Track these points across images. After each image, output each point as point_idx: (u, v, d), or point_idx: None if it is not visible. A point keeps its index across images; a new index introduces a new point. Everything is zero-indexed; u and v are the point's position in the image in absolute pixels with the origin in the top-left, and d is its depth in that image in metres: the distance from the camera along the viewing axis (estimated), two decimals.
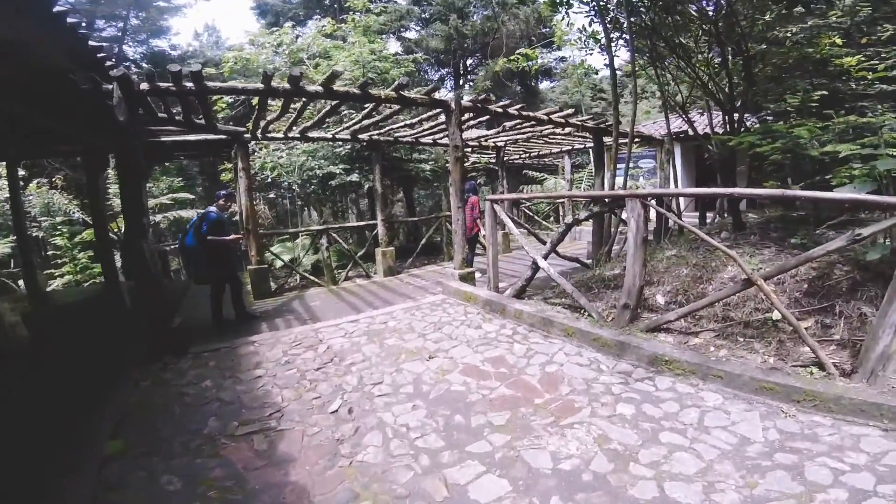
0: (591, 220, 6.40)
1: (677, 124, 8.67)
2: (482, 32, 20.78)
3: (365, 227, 9.51)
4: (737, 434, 2.42)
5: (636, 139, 8.68)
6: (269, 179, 9.99)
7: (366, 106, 6.20)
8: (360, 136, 7.69)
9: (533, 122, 7.35)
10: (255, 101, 5.98)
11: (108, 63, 3.81)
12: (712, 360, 3.11)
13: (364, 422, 2.83)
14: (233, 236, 5.28)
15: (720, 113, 6.00)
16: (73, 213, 11.01)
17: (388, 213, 8.92)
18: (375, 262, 8.80)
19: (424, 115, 6.85)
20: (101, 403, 3.09)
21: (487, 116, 6.70)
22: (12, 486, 2.15)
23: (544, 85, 25.19)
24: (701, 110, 8.77)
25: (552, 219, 15.18)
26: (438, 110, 6.12)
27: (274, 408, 3.04)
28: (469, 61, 23.46)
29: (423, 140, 8.50)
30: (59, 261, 11.16)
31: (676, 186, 9.07)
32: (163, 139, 7.41)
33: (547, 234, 12.42)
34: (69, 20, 2.73)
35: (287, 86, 4.49)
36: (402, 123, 7.31)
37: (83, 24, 2.88)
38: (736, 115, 5.52)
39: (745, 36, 5.11)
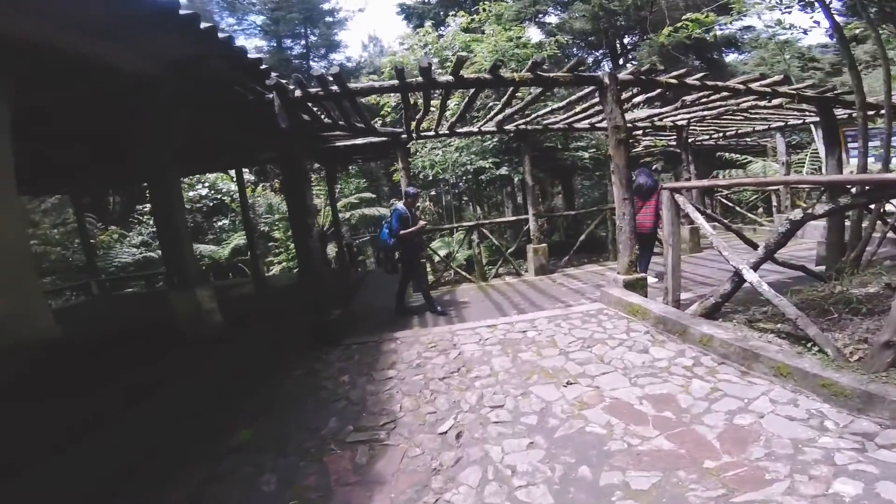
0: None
1: None
2: (635, 6, 17.80)
3: (518, 222, 9.13)
4: None
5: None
6: (430, 177, 10.44)
7: (505, 92, 5.77)
8: (505, 128, 7.31)
9: (725, 94, 5.82)
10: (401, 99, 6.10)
11: (274, 74, 4.30)
12: None
13: (468, 452, 2.49)
14: (420, 224, 5.65)
15: None
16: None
17: (547, 206, 8.37)
18: (527, 258, 8.35)
19: (575, 97, 6.07)
20: (255, 390, 3.49)
21: (658, 91, 5.53)
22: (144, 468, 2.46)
23: (731, 58, 20.49)
24: None
25: (761, 210, 12.17)
26: (591, 88, 5.31)
27: (390, 416, 2.95)
28: (626, 39, 20.56)
29: (577, 126, 7.62)
30: (277, 250, 13.98)
31: None
32: (337, 144, 8.40)
33: (753, 230, 10.02)
34: (221, 35, 3.04)
35: (420, 79, 4.41)
36: (549, 109, 6.63)
37: (233, 38, 3.19)
38: None
39: None
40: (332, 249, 12.55)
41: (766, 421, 2.43)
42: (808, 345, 3.08)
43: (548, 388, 3.15)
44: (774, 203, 11.05)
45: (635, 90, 5.43)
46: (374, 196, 17.08)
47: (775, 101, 6.40)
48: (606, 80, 4.66)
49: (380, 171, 20.43)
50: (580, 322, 4.47)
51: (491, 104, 8.24)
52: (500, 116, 6.57)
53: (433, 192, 15.25)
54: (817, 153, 11.42)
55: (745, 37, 18.53)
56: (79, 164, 7.51)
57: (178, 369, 3.68)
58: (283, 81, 4.43)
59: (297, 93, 4.52)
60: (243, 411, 3.18)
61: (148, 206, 12.81)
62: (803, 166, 11.84)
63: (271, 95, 4.43)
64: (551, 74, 4.66)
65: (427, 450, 2.55)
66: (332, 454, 2.57)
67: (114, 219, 14.29)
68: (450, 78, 4.49)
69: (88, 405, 2.98)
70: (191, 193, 14.23)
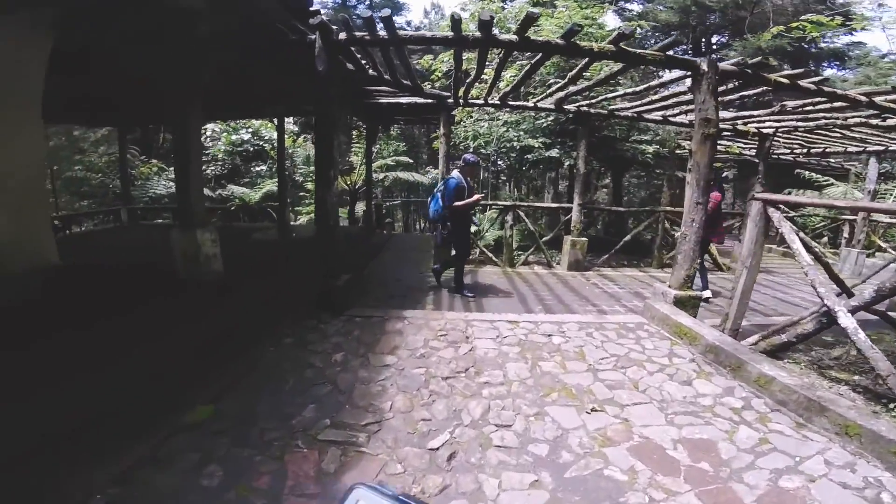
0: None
1: None
2: (735, 5, 15.99)
3: (558, 210, 8.44)
4: None
5: None
6: (471, 149, 9.85)
7: (573, 64, 5.06)
8: (565, 107, 6.54)
9: (839, 105, 4.92)
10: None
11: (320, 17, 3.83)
12: None
13: (458, 480, 2.05)
14: (475, 196, 5.11)
15: None
16: None
17: (588, 199, 7.63)
18: (562, 250, 7.71)
19: (656, 83, 5.31)
20: (236, 354, 3.11)
21: (760, 89, 4.70)
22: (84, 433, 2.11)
23: (829, 72, 18.50)
24: None
25: (825, 240, 11.09)
26: (679, 74, 4.59)
27: (377, 416, 2.52)
28: (714, 38, 18.71)
29: (647, 116, 6.77)
30: (307, 201, 13.83)
31: None
32: (380, 101, 7.87)
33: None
34: None
35: (477, 34, 3.78)
36: (620, 93, 5.82)
37: None
38: None
39: None
40: (361, 208, 12.29)
41: (816, 486, 2.07)
42: (890, 405, 2.78)
43: (567, 412, 2.67)
44: (845, 235, 9.93)
45: (731, 84, 4.60)
46: (411, 161, 16.61)
47: (892, 121, 5.47)
48: (704, 67, 3.90)
49: (421, 139, 19.91)
50: (616, 335, 3.91)
51: (552, 80, 7.45)
52: (561, 94, 5.83)
53: (465, 158, 14.57)
54: None
55: (853, 52, 16.74)
56: (123, 100, 7.41)
57: (167, 315, 3.39)
58: (330, 24, 3.97)
59: (342, 35, 4.03)
60: (215, 378, 2.81)
61: None
62: (889, 197, 10.61)
63: (314, 37, 3.98)
64: (638, 51, 3.93)
65: (410, 468, 2.11)
66: (297, 453, 2.15)
67: (160, 153, 14.49)
68: (513, 38, 3.83)
69: (70, 344, 2.72)
70: (233, 137, 14.23)
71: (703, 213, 4.08)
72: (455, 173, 5.05)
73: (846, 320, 2.74)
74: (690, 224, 4.09)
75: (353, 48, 4.40)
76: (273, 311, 4.08)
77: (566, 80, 5.17)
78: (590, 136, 7.10)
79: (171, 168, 13.28)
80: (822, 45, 16.18)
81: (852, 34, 14.87)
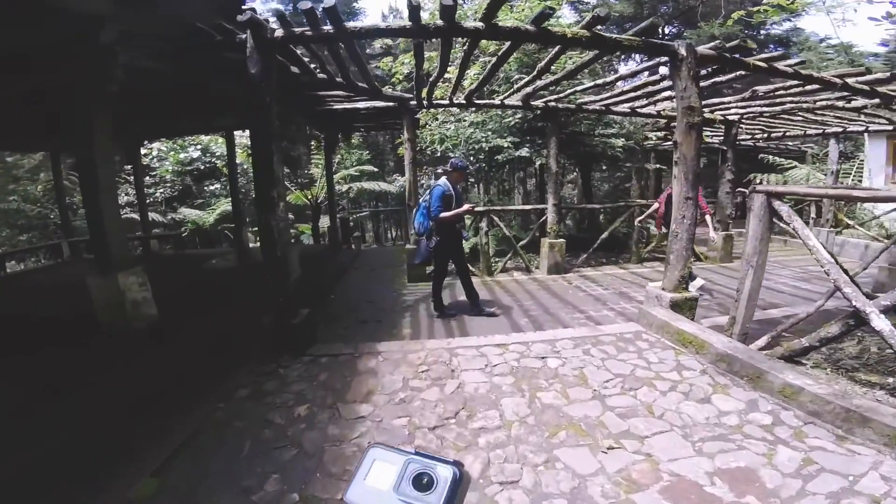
0: None
1: None
2: None
3: (531, 212, 8.11)
4: None
5: None
6: (439, 153, 9.42)
7: (538, 59, 4.73)
8: (532, 103, 6.20)
9: (814, 89, 4.82)
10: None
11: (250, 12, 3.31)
12: None
13: None
14: (465, 206, 4.59)
15: None
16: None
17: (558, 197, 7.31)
18: (540, 253, 7.36)
19: (628, 73, 5.06)
20: (180, 414, 2.54)
21: (735, 74, 4.50)
22: None
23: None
24: None
25: None
26: (651, 63, 4.37)
27: None
28: (667, 30, 19.26)
29: (615, 108, 6.54)
30: None
31: None
32: (335, 107, 7.33)
33: (784, 241, 9.25)
34: None
35: (440, 22, 3.34)
36: (588, 85, 5.52)
37: None
38: None
39: None
40: (327, 223, 11.66)
41: None
42: None
43: (580, 454, 2.28)
44: (813, 214, 10.09)
45: (705, 70, 4.37)
46: (376, 170, 16.02)
47: (856, 103, 5.44)
48: (683, 52, 3.62)
49: (386, 145, 19.35)
50: (615, 349, 3.55)
51: (517, 77, 7.12)
52: (528, 89, 5.48)
53: (440, 170, 14.21)
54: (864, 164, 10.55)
55: (795, 38, 17.54)
56: (49, 122, 6.59)
57: (90, 366, 2.78)
58: (261, 18, 3.44)
59: (279, 33, 3.50)
60: (156, 444, 2.26)
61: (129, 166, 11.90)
62: (848, 177, 10.90)
63: (244, 36, 3.44)
64: (614, 36, 3.60)
65: None
66: None
67: None
68: (479, 25, 3.42)
69: None
70: (182, 155, 13.32)
71: (693, 209, 3.79)
72: (442, 180, 4.58)
73: (880, 322, 2.46)
74: (681, 221, 3.77)
75: (294, 47, 3.89)
76: (224, 356, 3.48)
77: (535, 72, 4.82)
78: (559, 132, 6.80)
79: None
80: (764, 31, 16.80)
81: (791, 20, 15.52)
